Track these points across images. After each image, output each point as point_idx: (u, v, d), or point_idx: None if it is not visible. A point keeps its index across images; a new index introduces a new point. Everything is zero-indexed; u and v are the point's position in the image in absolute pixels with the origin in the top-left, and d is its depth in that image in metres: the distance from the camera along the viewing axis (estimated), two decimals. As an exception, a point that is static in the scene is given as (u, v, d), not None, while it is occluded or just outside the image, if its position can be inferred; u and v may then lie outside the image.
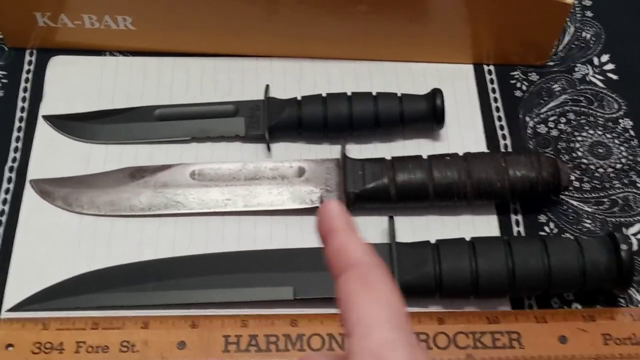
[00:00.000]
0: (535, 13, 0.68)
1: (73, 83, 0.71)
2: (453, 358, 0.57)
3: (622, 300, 0.61)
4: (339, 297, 0.35)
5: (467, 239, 0.59)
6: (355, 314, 0.34)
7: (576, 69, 0.73)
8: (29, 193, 0.64)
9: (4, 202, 0.64)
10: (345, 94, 0.67)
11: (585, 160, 0.68)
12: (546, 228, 0.64)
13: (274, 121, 0.67)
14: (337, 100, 0.67)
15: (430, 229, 0.64)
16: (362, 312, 0.34)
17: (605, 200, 0.66)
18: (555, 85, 0.72)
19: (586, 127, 0.70)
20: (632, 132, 0.69)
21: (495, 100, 0.71)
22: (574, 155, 0.68)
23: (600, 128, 0.70)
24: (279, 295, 0.59)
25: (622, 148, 0.68)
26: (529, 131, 0.69)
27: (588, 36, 0.76)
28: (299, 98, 0.68)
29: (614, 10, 0.77)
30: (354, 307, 0.34)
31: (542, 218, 0.65)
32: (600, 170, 0.67)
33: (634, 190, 0.66)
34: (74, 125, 0.68)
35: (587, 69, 0.73)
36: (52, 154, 0.67)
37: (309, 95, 0.68)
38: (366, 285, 0.34)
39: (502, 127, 0.70)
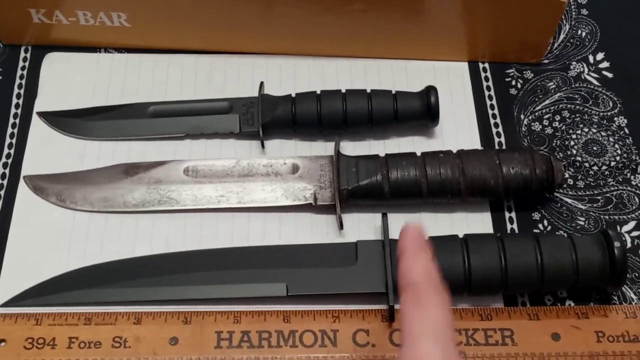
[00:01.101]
0: (530, 11, 0.68)
1: (68, 80, 0.71)
2: (445, 355, 0.57)
3: (615, 298, 0.61)
4: (400, 311, 0.42)
5: (460, 236, 0.59)
6: (407, 327, 0.41)
7: (571, 67, 0.73)
8: (22, 189, 0.64)
9: (-2, 198, 0.64)
10: (339, 91, 0.67)
11: (579, 158, 0.68)
12: (540, 225, 0.64)
13: (268, 118, 0.67)
14: (331, 97, 0.67)
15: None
16: (412, 326, 0.41)
17: (599, 198, 0.66)
18: (550, 83, 0.72)
19: (581, 125, 0.70)
20: (626, 130, 0.69)
21: (490, 97, 0.71)
22: (569, 153, 0.68)
23: (594, 126, 0.70)
24: (272, 291, 0.59)
25: (616, 146, 0.68)
26: (524, 129, 0.69)
27: (583, 34, 0.76)
28: (293, 95, 0.68)
29: (609, 8, 0.77)
30: (406, 322, 0.41)
31: (536, 215, 0.65)
32: (595, 168, 0.67)
33: (628, 188, 0.66)
34: (69, 121, 0.68)
35: (582, 67, 0.73)
36: (46, 150, 0.67)
37: (303, 92, 0.68)
38: (418, 304, 0.41)
39: (496, 125, 0.70)
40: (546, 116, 0.70)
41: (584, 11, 0.77)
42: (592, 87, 0.72)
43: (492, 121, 0.70)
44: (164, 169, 0.65)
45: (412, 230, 0.46)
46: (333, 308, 0.59)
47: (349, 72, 0.72)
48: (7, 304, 0.59)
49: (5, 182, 0.65)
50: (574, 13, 0.77)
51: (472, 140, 0.69)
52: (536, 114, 0.70)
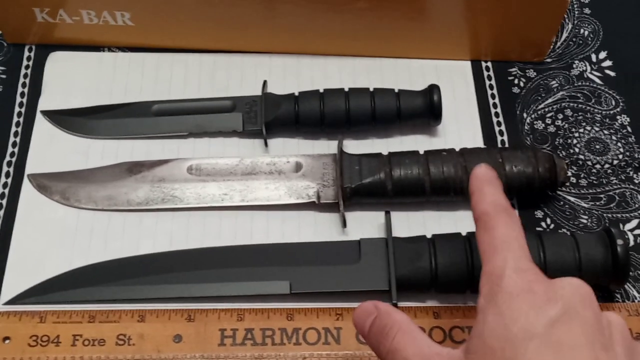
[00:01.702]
0: (532, 10, 0.68)
1: (71, 79, 0.71)
2: (449, 352, 0.57)
3: (618, 296, 0.61)
4: (477, 240, 0.48)
5: (464, 234, 0.59)
6: (481, 250, 0.47)
7: (574, 65, 0.74)
8: (26, 187, 0.65)
9: (2, 196, 0.64)
10: (342, 89, 0.67)
11: (582, 157, 0.68)
12: (543, 224, 0.64)
13: (271, 116, 0.67)
14: (334, 95, 0.67)
15: (426, 225, 0.64)
16: (484, 248, 0.46)
17: (602, 196, 0.66)
18: (553, 82, 0.72)
19: (583, 124, 0.70)
20: (629, 129, 0.69)
21: (493, 96, 0.72)
22: (571, 151, 0.68)
23: (597, 124, 0.70)
24: (275, 289, 0.59)
25: (619, 144, 0.69)
26: (526, 127, 0.69)
27: (586, 33, 0.76)
28: (296, 94, 0.68)
29: (612, 7, 0.77)
30: (480, 246, 0.47)
31: (539, 214, 0.65)
32: (597, 166, 0.67)
33: (631, 187, 0.66)
34: (72, 120, 0.68)
35: (585, 66, 0.73)
36: (50, 149, 0.67)
37: (307, 91, 0.68)
38: (486, 228, 0.47)
39: (499, 124, 0.70)
40: (549, 115, 0.70)
41: (587, 10, 0.77)
42: (594, 85, 0.72)
43: (494, 120, 0.70)
44: (168, 167, 0.65)
45: (479, 170, 0.51)
46: (336, 306, 0.59)
47: (352, 70, 0.73)
48: (12, 301, 0.59)
49: (9, 180, 0.65)
50: (576, 12, 0.77)
51: (474, 139, 0.69)
52: (539, 112, 0.70)
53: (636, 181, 0.67)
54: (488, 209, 0.48)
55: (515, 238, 0.46)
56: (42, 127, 0.68)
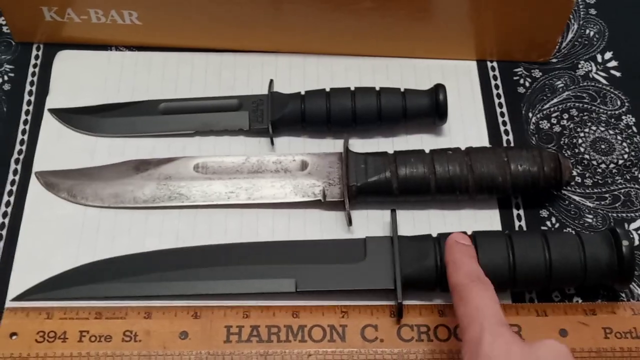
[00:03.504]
0: (538, 10, 0.68)
1: (79, 77, 0.72)
2: (454, 350, 0.57)
3: (623, 295, 0.61)
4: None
5: (469, 232, 0.60)
6: (458, 319, 0.50)
7: (579, 65, 0.74)
8: (34, 185, 0.65)
9: (10, 193, 0.65)
10: (348, 88, 0.68)
11: (587, 156, 0.68)
12: (548, 223, 0.64)
13: (278, 115, 0.67)
14: (340, 94, 0.67)
15: (432, 223, 0.64)
16: (461, 318, 0.50)
17: (607, 195, 0.66)
18: (558, 82, 0.72)
19: (589, 124, 0.70)
20: (634, 129, 0.70)
21: (498, 96, 0.72)
22: (577, 151, 0.68)
23: (602, 124, 0.70)
24: (281, 287, 0.59)
25: (624, 144, 0.69)
26: (532, 127, 0.70)
27: (591, 33, 0.76)
28: (302, 93, 0.68)
29: (617, 7, 0.78)
30: (457, 315, 0.50)
31: (544, 213, 0.65)
32: (602, 166, 0.67)
33: (636, 186, 0.66)
34: (80, 118, 0.69)
35: (591, 66, 0.74)
36: (58, 147, 0.67)
37: (313, 90, 0.68)
38: (462, 300, 0.50)
39: (504, 123, 0.70)
40: (554, 114, 0.70)
41: (592, 10, 0.77)
42: (600, 85, 0.72)
43: (500, 119, 0.70)
44: (174, 165, 0.66)
45: (453, 239, 0.55)
46: (342, 304, 0.59)
47: (357, 70, 0.73)
48: (19, 298, 0.59)
49: (17, 177, 0.65)
50: (582, 12, 0.77)
51: (480, 138, 0.69)
52: (544, 112, 0.71)
53: (641, 181, 0.67)
54: (462, 280, 0.51)
55: (489, 306, 0.49)
56: (49, 125, 0.69)
